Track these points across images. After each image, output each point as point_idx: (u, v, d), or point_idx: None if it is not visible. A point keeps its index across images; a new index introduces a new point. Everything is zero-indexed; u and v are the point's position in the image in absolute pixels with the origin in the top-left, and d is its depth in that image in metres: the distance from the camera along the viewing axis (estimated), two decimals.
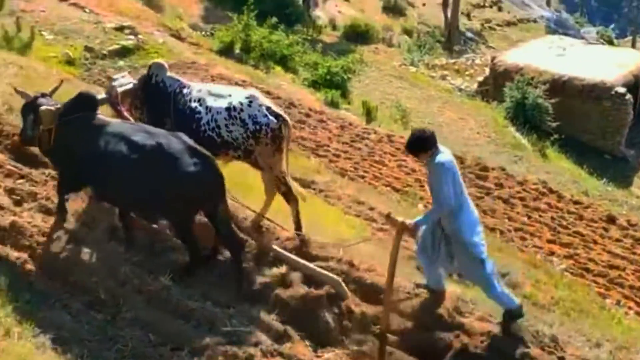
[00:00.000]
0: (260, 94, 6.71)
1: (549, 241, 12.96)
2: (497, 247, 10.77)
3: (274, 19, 22.67)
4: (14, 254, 5.77)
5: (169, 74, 6.77)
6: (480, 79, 25.39)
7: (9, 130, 7.40)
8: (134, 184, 5.68)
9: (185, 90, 6.63)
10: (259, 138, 6.39)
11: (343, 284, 6.21)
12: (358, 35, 29.55)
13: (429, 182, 6.26)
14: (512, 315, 6.23)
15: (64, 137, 5.90)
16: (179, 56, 18.56)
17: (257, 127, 6.35)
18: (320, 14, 31.61)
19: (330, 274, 6.29)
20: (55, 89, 6.38)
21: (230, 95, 6.55)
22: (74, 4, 20.65)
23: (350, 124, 16.91)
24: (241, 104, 6.42)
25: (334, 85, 20.56)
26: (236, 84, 17.29)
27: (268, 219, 6.93)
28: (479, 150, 17.86)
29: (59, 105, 6.03)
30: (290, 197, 6.83)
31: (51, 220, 6.30)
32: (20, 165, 7.09)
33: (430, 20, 34.96)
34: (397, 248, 5.85)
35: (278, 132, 6.41)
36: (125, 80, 6.81)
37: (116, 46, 17.43)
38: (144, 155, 5.58)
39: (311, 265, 6.40)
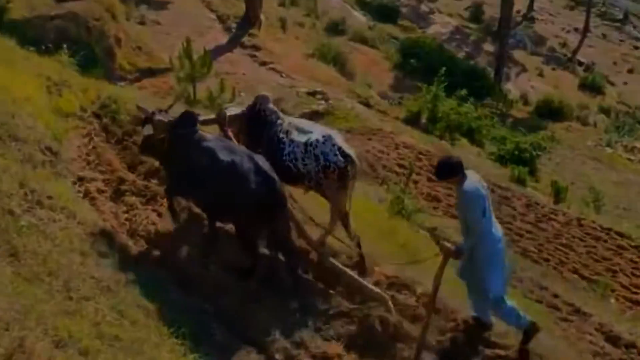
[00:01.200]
0: (337, 135, 7.14)
1: None
2: None
3: (464, 91, 22.62)
4: (198, 306, 5.99)
5: (270, 105, 7.34)
6: None
7: None
8: (211, 191, 6.40)
9: (279, 122, 7.20)
10: (328, 173, 6.88)
11: (389, 302, 6.39)
12: (551, 111, 28.61)
13: (457, 209, 6.46)
14: (529, 334, 6.13)
15: (172, 146, 6.74)
16: (365, 122, 18.99)
17: (327, 163, 6.85)
18: (512, 88, 31.06)
19: (379, 291, 6.51)
20: (171, 106, 7.17)
21: (311, 132, 7.07)
22: (273, 69, 22.03)
23: (537, 203, 16.20)
24: (317, 140, 6.94)
25: (521, 161, 20.02)
26: (420, 153, 17.31)
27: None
28: None
29: (171, 119, 6.86)
30: (348, 231, 7.21)
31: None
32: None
33: (632, 100, 33.07)
34: (442, 271, 5.97)
35: (344, 171, 6.88)
36: (235, 109, 7.55)
37: (307, 110, 18.17)
38: (221, 168, 6.33)
39: (361, 279, 6.67)
